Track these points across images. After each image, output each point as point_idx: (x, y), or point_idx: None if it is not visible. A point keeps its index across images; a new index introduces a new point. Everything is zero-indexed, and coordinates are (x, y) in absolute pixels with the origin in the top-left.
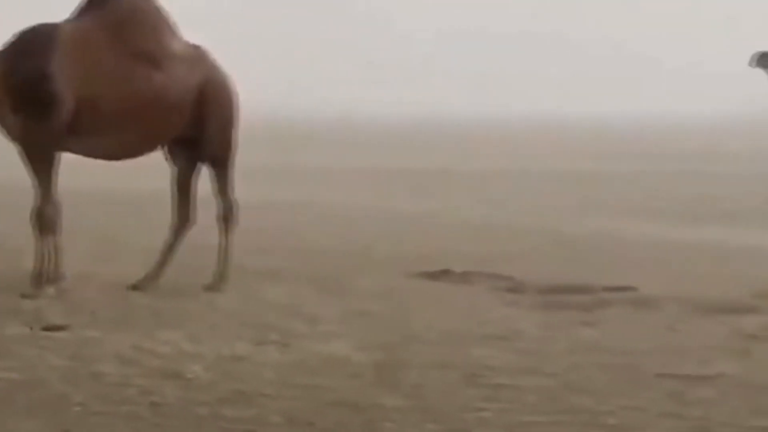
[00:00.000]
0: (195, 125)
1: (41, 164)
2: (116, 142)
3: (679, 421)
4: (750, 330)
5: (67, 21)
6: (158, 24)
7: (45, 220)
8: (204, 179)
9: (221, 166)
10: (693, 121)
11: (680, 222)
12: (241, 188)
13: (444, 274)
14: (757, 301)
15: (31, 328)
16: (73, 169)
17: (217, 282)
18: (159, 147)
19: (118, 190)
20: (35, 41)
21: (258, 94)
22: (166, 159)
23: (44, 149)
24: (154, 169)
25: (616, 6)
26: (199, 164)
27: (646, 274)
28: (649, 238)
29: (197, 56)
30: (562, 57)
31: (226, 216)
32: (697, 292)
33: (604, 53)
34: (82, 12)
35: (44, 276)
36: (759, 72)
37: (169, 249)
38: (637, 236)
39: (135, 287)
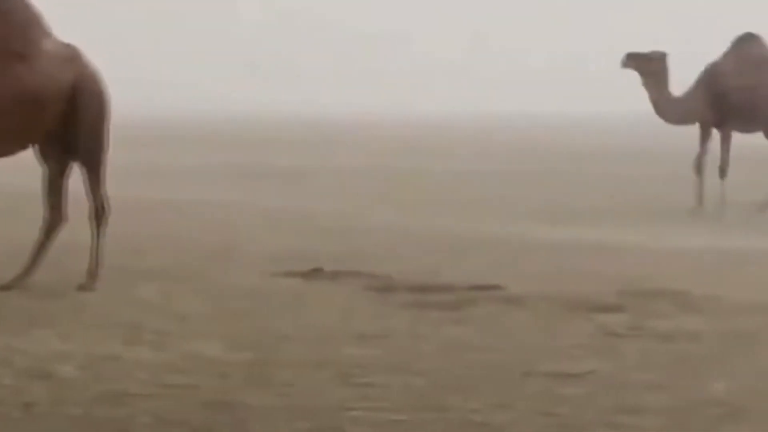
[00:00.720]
0: (66, 124)
1: None
2: None
3: (547, 418)
4: (616, 328)
5: None
6: (28, 21)
7: None
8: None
9: (92, 164)
10: (555, 120)
11: (543, 221)
12: (113, 187)
13: (315, 273)
14: (622, 299)
15: None
16: None
17: (89, 281)
18: (30, 146)
19: None
20: None
21: (131, 92)
22: (37, 157)
23: None
24: (25, 167)
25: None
26: (71, 163)
27: (512, 272)
28: (514, 236)
29: (69, 55)
30: (412, 55)
31: (98, 215)
32: (563, 290)
33: (457, 54)
34: None
35: None
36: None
37: (41, 248)
38: (501, 234)
39: (5, 287)
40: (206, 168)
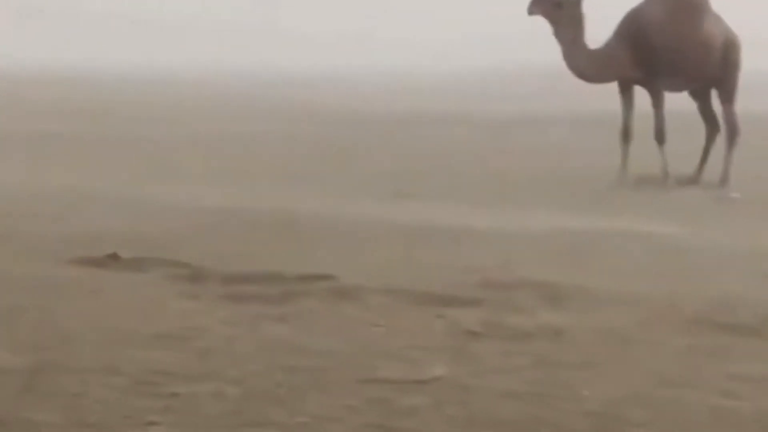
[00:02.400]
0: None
1: None
2: None
3: None
4: (470, 325)
5: None
6: None
7: None
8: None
9: None
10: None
11: (377, 198)
12: None
13: (110, 261)
14: (476, 293)
15: None
16: None
17: None
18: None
19: None
20: None
21: None
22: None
23: None
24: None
25: None
26: None
27: (347, 259)
28: (348, 217)
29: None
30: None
31: None
32: (408, 281)
33: None
34: None
35: None
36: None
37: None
38: (327, 215)
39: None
40: None
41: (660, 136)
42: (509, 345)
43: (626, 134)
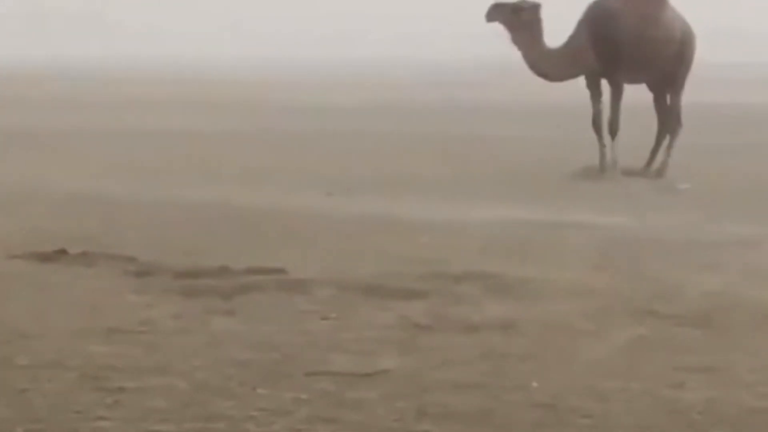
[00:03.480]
0: None
1: None
2: None
3: (333, 426)
4: (416, 318)
5: None
6: None
7: None
8: None
9: None
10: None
11: (319, 191)
12: None
13: (58, 256)
14: (422, 284)
15: None
16: None
17: None
18: None
19: None
20: None
21: None
22: None
23: None
24: None
25: None
26: None
27: (296, 253)
28: (295, 209)
29: None
30: None
31: None
32: (354, 273)
33: None
34: None
35: None
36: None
37: None
38: (277, 207)
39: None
40: None
41: (614, 128)
42: (457, 337)
43: (597, 124)
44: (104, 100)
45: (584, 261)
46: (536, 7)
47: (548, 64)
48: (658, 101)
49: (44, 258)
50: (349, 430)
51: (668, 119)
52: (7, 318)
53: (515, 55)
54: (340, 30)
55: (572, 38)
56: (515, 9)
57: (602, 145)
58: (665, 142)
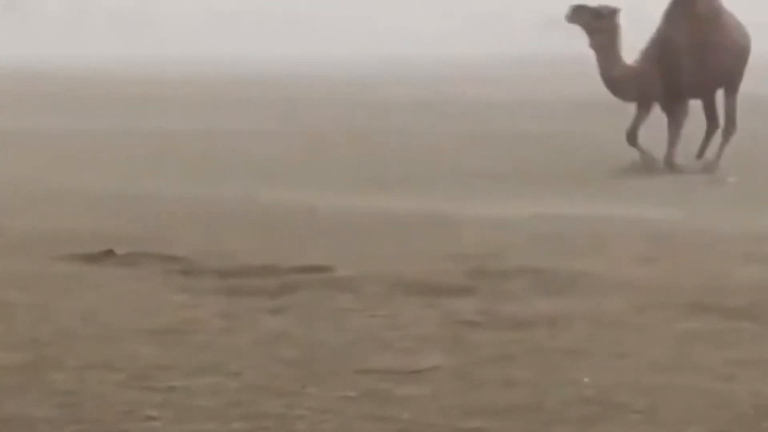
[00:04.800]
0: None
1: None
2: None
3: (382, 424)
4: (464, 314)
5: None
6: None
7: None
8: None
9: None
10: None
11: (366, 189)
12: None
13: (105, 256)
14: (471, 281)
15: None
16: None
17: None
18: None
19: None
20: None
21: None
22: None
23: None
24: None
25: None
26: None
27: (342, 251)
28: (343, 208)
29: None
30: None
31: None
32: (401, 271)
33: None
34: None
35: None
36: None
37: None
38: (321, 205)
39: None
40: None
41: (669, 162)
42: (506, 333)
43: (633, 140)
44: (149, 99)
45: (632, 255)
46: (615, 13)
47: (620, 79)
48: (708, 105)
49: (90, 259)
50: (399, 427)
51: (717, 120)
52: (56, 319)
53: (555, 50)
54: (378, 29)
55: (640, 63)
56: (595, 14)
57: (642, 152)
58: (716, 142)
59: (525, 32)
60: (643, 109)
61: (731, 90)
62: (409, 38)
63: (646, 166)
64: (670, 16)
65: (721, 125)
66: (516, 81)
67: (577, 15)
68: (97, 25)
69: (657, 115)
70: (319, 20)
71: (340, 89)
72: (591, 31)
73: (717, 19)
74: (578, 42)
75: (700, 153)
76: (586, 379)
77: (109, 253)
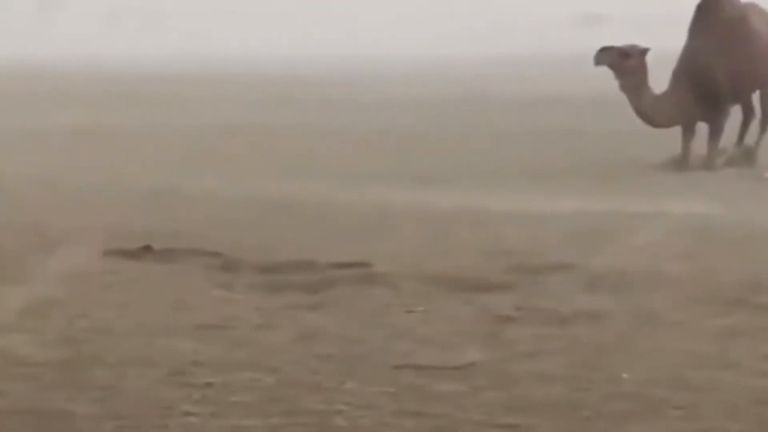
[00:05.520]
0: None
1: None
2: None
3: (420, 420)
4: (502, 310)
5: None
6: None
7: None
8: None
9: None
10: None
11: (404, 185)
12: None
13: (143, 252)
14: (508, 276)
15: None
16: None
17: None
18: None
19: None
20: None
21: None
22: None
23: None
24: None
25: None
26: None
27: (380, 246)
28: (377, 203)
29: None
30: None
31: None
32: (438, 266)
33: None
34: None
35: None
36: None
37: None
38: (358, 201)
39: None
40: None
41: (710, 167)
42: (544, 329)
43: (684, 165)
44: (187, 96)
45: (670, 250)
46: (643, 53)
47: (656, 111)
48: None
49: (129, 255)
50: (437, 423)
51: (753, 110)
52: (94, 315)
53: (589, 48)
54: (406, 27)
55: (673, 88)
56: (622, 54)
57: (683, 149)
58: (752, 137)
59: (558, 30)
60: (688, 132)
61: (765, 82)
62: (441, 36)
63: (683, 164)
64: (695, 28)
65: (757, 115)
66: (550, 78)
67: (605, 57)
68: (128, 22)
69: None
70: (347, 20)
71: (372, 87)
72: (620, 73)
73: (744, 22)
74: (613, 40)
75: (740, 140)
76: (624, 375)
77: (148, 248)
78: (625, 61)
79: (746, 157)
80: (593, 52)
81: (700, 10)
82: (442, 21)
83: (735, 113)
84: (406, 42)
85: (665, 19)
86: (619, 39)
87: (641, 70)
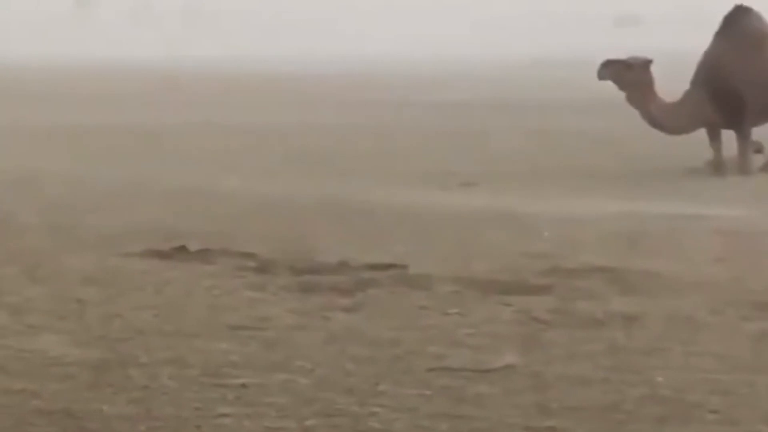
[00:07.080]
0: None
1: None
2: None
3: (455, 422)
4: (538, 313)
5: None
6: None
7: None
8: None
9: None
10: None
11: (440, 186)
12: None
13: (177, 252)
14: (544, 279)
15: None
16: None
17: None
18: None
19: None
20: None
21: None
22: None
23: None
24: None
25: None
26: None
27: (415, 248)
28: (409, 204)
29: None
30: None
31: None
32: (474, 268)
33: None
34: None
35: None
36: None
37: None
38: (393, 202)
39: None
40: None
41: (745, 172)
42: (579, 332)
43: (720, 172)
44: (223, 96)
45: (706, 254)
46: (647, 64)
47: (666, 118)
48: None
49: (163, 255)
50: (471, 426)
51: None
52: (128, 316)
53: (625, 50)
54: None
55: (689, 94)
56: (625, 66)
57: (716, 154)
58: None
59: (594, 33)
60: (713, 138)
61: None
62: (475, 39)
63: (720, 168)
64: (719, 38)
65: None
66: (584, 81)
67: (608, 70)
68: (166, 22)
69: None
70: (384, 20)
71: (409, 88)
72: (624, 85)
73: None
74: (649, 41)
75: None
76: (660, 379)
77: (182, 249)
78: (627, 74)
79: None
80: (625, 55)
81: (726, 21)
82: (481, 22)
83: None
84: (444, 42)
85: (700, 20)
86: (654, 40)
87: (645, 81)
